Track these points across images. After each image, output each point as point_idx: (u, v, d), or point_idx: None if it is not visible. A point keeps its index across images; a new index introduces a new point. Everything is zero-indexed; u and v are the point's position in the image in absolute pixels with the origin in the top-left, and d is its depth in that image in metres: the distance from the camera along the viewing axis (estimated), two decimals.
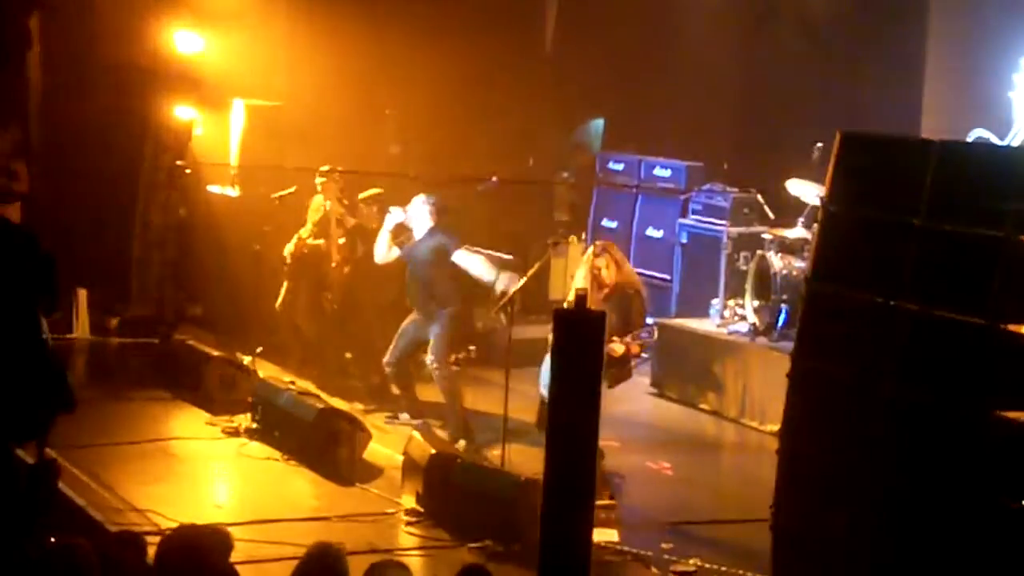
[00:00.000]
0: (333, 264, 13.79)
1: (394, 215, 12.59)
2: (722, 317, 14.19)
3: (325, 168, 13.96)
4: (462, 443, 11.95)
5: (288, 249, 14.13)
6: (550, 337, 8.18)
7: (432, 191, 12.89)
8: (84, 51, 15.86)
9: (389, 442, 11.90)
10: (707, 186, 15.38)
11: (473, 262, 12.41)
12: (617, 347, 10.81)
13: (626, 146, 16.91)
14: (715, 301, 14.40)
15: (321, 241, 14.02)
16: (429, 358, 12.38)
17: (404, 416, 12.78)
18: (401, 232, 12.65)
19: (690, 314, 14.79)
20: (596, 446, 8.04)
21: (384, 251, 12.72)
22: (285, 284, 14.22)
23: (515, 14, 17.49)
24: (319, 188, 13.99)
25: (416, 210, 12.48)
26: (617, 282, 11.15)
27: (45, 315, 8.72)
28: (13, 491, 8.46)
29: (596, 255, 11.29)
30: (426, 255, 12.40)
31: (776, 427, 8.22)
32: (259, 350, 13.54)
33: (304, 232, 14.13)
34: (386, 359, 12.69)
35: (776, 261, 13.42)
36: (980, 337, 7.18)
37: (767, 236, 13.90)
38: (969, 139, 12.35)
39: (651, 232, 15.93)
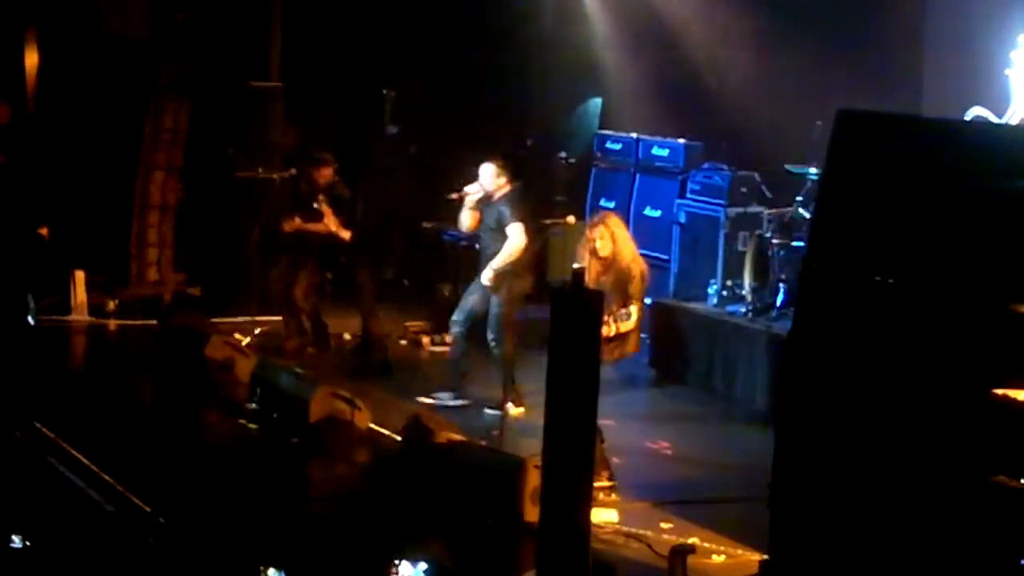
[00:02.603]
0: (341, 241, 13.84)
1: (472, 190, 12.57)
2: (720, 297, 14.18)
3: (317, 154, 14.04)
4: (511, 407, 11.90)
5: (287, 226, 14.16)
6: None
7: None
8: (83, 31, 15.85)
9: (389, 422, 11.91)
10: (705, 165, 15.36)
11: (512, 242, 12.32)
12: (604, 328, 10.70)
13: (624, 125, 16.88)
14: (713, 281, 14.40)
15: (317, 227, 14.04)
16: (489, 335, 12.39)
17: (444, 396, 12.58)
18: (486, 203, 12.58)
19: (688, 294, 14.77)
20: (595, 426, 8.05)
21: (467, 222, 12.73)
22: (282, 260, 14.23)
23: None
24: (314, 176, 14.03)
25: (485, 177, 12.47)
26: (614, 255, 11.06)
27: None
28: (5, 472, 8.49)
29: (592, 227, 11.24)
30: (490, 223, 12.40)
31: (774, 406, 8.22)
32: (258, 331, 13.55)
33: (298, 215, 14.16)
34: (453, 317, 12.61)
35: (774, 241, 13.41)
36: (980, 315, 7.19)
37: (765, 216, 13.89)
38: (967, 117, 12.34)
39: (649, 212, 15.90)
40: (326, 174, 14.04)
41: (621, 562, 8.45)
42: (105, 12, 15.75)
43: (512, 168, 12.62)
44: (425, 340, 15.04)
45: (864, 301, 7.71)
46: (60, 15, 15.89)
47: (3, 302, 8.54)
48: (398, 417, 11.66)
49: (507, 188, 12.47)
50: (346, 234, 13.82)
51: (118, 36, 15.73)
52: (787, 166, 13.59)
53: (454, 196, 12.80)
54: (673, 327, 14.26)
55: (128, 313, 15.40)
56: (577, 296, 7.70)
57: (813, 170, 13.02)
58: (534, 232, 12.37)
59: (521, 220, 12.32)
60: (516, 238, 12.29)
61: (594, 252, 11.07)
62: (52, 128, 15.89)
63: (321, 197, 13.87)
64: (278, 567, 6.77)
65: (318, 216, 13.98)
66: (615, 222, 11.29)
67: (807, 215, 13.04)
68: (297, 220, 14.03)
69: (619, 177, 16.37)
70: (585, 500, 7.69)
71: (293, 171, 14.19)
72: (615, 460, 10.92)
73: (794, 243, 13.26)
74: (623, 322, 10.76)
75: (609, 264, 11.01)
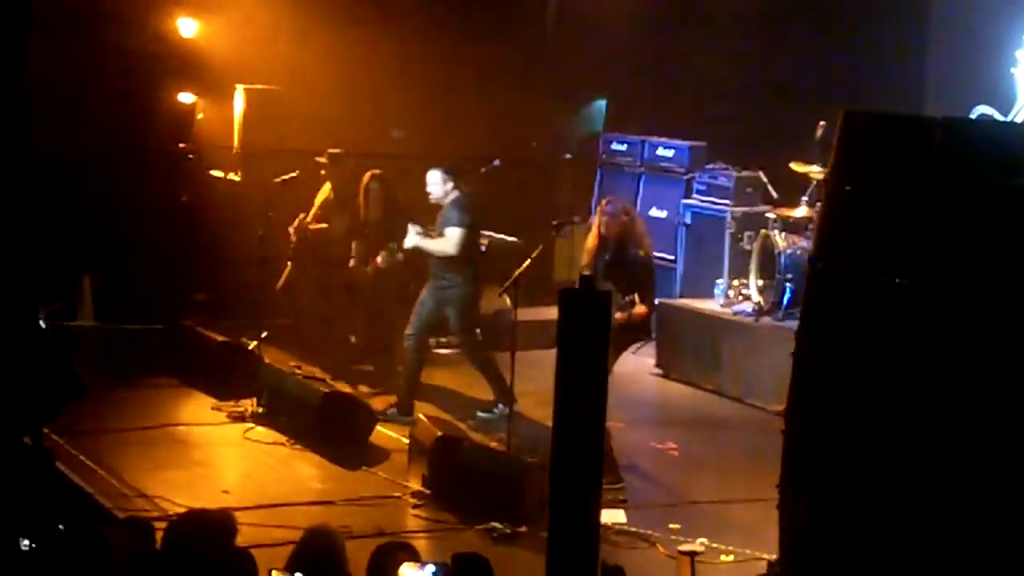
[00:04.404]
0: (350, 263, 13.85)
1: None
2: (726, 297, 14.20)
3: (331, 151, 14.06)
4: (501, 407, 12.02)
5: (291, 227, 14.17)
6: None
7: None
8: (85, 37, 15.84)
9: (395, 425, 11.93)
10: (710, 166, 15.37)
11: (444, 243, 12.34)
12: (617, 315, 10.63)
13: (629, 127, 16.89)
14: (719, 281, 14.40)
15: (324, 225, 14.06)
16: (455, 339, 12.52)
17: (498, 409, 12.40)
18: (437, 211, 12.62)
19: (694, 294, 14.79)
20: (603, 427, 8.03)
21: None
22: (288, 265, 14.26)
23: None
24: (322, 173, 14.06)
25: (433, 185, 12.48)
26: (616, 234, 11.00)
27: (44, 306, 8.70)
28: (14, 478, 8.48)
29: (604, 205, 11.22)
30: (440, 228, 12.42)
31: (781, 407, 8.21)
32: (264, 335, 13.56)
33: (307, 216, 14.17)
34: (408, 331, 12.58)
35: (780, 240, 13.41)
36: (986, 314, 7.18)
37: (771, 215, 13.89)
38: (972, 116, 12.33)
39: (655, 212, 15.91)
40: (332, 176, 14.09)
41: (629, 563, 8.43)
42: (106, 23, 15.74)
43: (457, 174, 12.59)
44: (431, 341, 15.03)
45: (870, 300, 7.70)
46: (62, 24, 15.87)
47: (11, 307, 8.51)
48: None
49: (455, 193, 12.43)
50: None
51: (119, 46, 15.74)
52: (791, 165, 13.59)
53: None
54: (679, 327, 14.26)
55: (134, 317, 15.40)
56: (585, 296, 7.69)
57: (817, 169, 13.02)
58: (473, 243, 12.45)
59: (466, 227, 12.30)
60: (449, 242, 12.29)
61: (598, 231, 11.04)
62: (54, 135, 15.86)
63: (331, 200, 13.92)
64: (286, 572, 6.75)
65: (325, 219, 14.03)
66: (625, 208, 11.21)
67: (812, 214, 13.03)
68: (302, 220, 14.07)
69: (624, 178, 16.38)
70: (594, 501, 7.67)
71: (296, 174, 14.19)
72: (622, 461, 10.93)
73: (800, 242, 13.26)
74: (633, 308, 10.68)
75: (606, 242, 10.94)
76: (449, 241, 12.26)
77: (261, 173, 14.99)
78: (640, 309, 10.81)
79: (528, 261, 11.58)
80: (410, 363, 12.56)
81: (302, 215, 14.19)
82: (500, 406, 12.15)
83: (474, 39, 17.00)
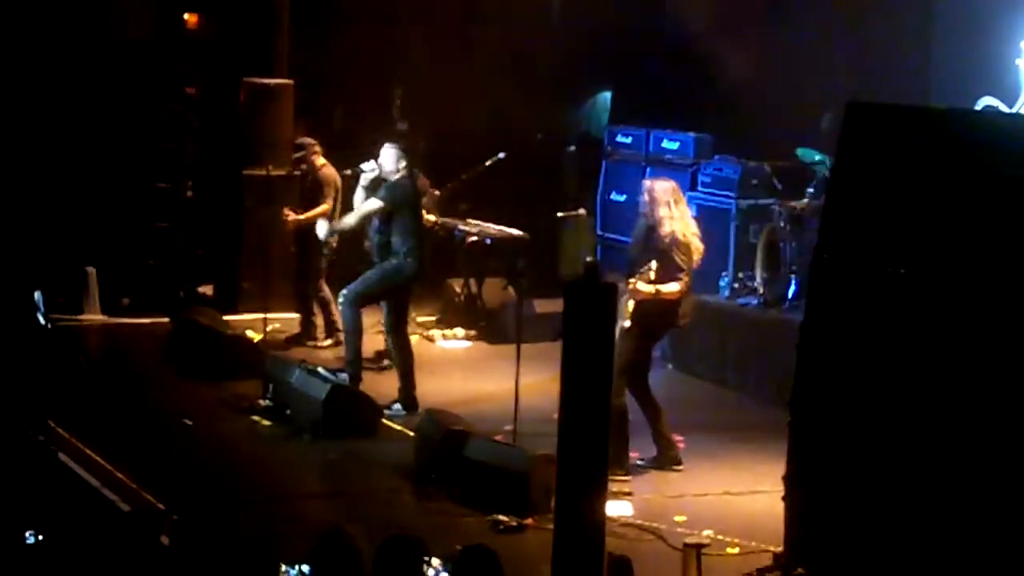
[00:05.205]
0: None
1: (367, 168, 12.57)
2: (732, 289, 14.17)
3: (299, 140, 14.12)
4: (345, 376, 12.25)
5: (288, 214, 14.22)
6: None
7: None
8: (89, 30, 15.87)
9: (400, 417, 11.93)
10: (716, 158, 15.35)
11: (366, 205, 12.35)
12: (642, 287, 10.51)
13: (634, 119, 16.87)
14: (725, 274, 14.38)
15: (326, 207, 14.08)
16: (351, 289, 12.42)
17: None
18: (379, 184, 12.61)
19: (700, 287, 14.73)
20: (608, 420, 8.03)
21: (361, 203, 12.71)
22: (291, 253, 14.33)
23: None
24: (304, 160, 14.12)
25: (386, 159, 12.46)
26: (645, 214, 10.96)
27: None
28: (19, 471, 8.51)
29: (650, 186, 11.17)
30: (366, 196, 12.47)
31: (787, 398, 8.21)
32: (270, 328, 13.57)
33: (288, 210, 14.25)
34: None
35: (785, 233, 13.40)
36: (990, 303, 7.19)
37: (776, 208, 13.87)
38: (977, 107, 12.32)
39: None
40: (311, 163, 14.16)
41: (635, 555, 8.44)
42: (111, 12, 15.76)
43: (410, 157, 12.59)
44: (436, 334, 15.04)
45: (875, 291, 7.71)
46: (65, 16, 15.89)
47: (10, 302, 8.54)
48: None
49: (401, 175, 12.41)
50: None
51: (124, 36, 15.75)
52: (798, 151, 13.57)
53: (348, 172, 12.91)
54: None
55: (141, 310, 15.42)
56: (590, 289, 7.69)
57: (819, 157, 13.02)
58: (413, 224, 12.42)
59: (386, 203, 12.23)
60: (370, 205, 12.28)
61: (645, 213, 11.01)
62: (58, 130, 15.89)
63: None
64: (297, 565, 6.77)
65: (313, 205, 14.05)
66: (668, 192, 11.12)
67: (818, 206, 13.02)
68: (290, 210, 14.13)
69: (630, 170, 16.35)
70: (600, 494, 7.68)
71: (304, 168, 14.22)
72: (629, 453, 10.94)
73: (805, 234, 13.24)
74: (644, 283, 10.54)
75: (653, 227, 10.90)
76: (369, 204, 12.29)
77: (268, 166, 15.02)
78: (672, 288, 10.70)
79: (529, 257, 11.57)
80: (347, 324, 12.60)
81: (286, 209, 14.17)
82: (341, 375, 12.34)
83: (479, 30, 17.00)
